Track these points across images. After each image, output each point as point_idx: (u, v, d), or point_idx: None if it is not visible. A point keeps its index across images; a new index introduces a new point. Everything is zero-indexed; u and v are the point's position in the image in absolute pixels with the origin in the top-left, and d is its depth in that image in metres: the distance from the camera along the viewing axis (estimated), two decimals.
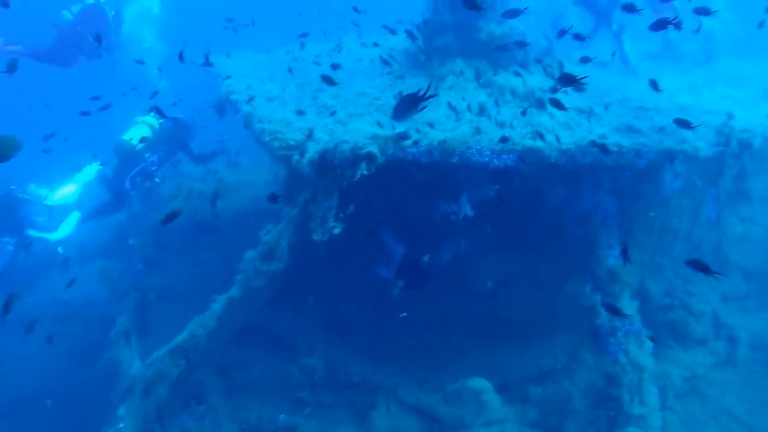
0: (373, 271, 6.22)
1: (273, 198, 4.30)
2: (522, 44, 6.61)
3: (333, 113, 5.37)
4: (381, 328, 6.36)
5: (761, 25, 4.51)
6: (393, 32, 7.60)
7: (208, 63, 6.37)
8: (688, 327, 6.86)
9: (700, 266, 3.51)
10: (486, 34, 6.65)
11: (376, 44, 7.99)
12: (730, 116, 5.70)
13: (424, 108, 3.71)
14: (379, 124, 5.13)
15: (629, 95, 6.40)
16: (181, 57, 5.97)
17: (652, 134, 5.41)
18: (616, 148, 5.16)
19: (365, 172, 4.43)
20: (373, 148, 4.32)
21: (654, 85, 4.66)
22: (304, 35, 8.22)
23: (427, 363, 6.35)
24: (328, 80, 5.63)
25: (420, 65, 7.09)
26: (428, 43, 7.01)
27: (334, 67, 6.44)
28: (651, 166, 5.53)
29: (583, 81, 3.89)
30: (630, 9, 4.84)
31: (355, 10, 7.19)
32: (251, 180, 9.41)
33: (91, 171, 8.62)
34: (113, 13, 9.36)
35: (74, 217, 8.18)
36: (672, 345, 6.91)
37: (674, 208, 6.78)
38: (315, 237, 4.88)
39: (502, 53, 6.72)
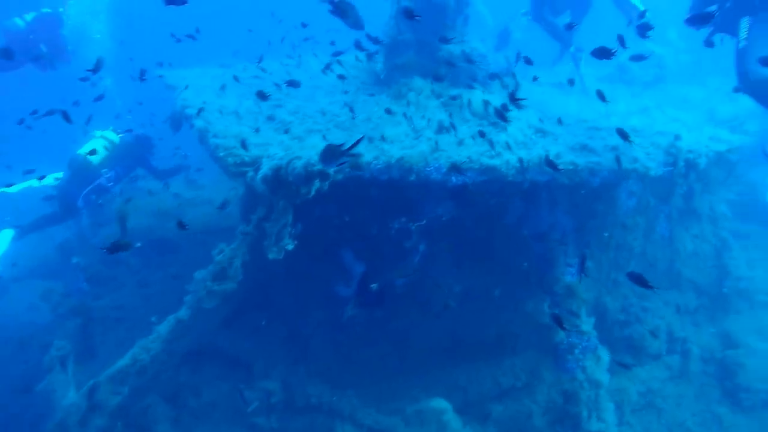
0: (331, 290, 6.06)
1: (222, 206, 4.14)
2: (483, 63, 6.66)
3: (287, 131, 5.24)
4: (340, 349, 6.19)
5: (708, 43, 4.68)
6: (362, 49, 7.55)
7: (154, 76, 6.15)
8: (644, 342, 6.93)
9: (638, 280, 3.54)
10: (446, 53, 6.66)
11: (338, 61, 7.92)
12: (678, 137, 5.82)
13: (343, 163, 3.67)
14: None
15: (585, 116, 6.48)
16: (142, 75, 5.75)
17: (605, 153, 5.46)
18: (571, 167, 5.19)
19: (320, 189, 4.31)
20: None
21: (601, 96, 4.67)
22: (261, 54, 8.08)
23: (386, 383, 6.19)
24: (293, 84, 5.50)
25: (381, 82, 7.04)
26: (389, 60, 6.98)
27: (292, 84, 6.33)
28: (605, 185, 5.58)
29: (522, 100, 3.90)
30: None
31: (303, 25, 7.11)
32: (210, 197, 9.16)
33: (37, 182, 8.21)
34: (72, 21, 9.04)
35: (7, 235, 7.63)
36: (628, 360, 6.96)
37: (629, 226, 6.89)
38: (270, 255, 4.71)
39: (462, 72, 6.74)
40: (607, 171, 5.32)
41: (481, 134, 5.28)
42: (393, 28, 6.80)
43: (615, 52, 4.58)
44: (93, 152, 7.61)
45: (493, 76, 6.74)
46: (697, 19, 3.73)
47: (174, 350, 5.13)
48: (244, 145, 4.99)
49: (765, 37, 4.94)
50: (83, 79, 6.03)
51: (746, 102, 8.06)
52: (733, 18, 5.17)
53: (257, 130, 5.37)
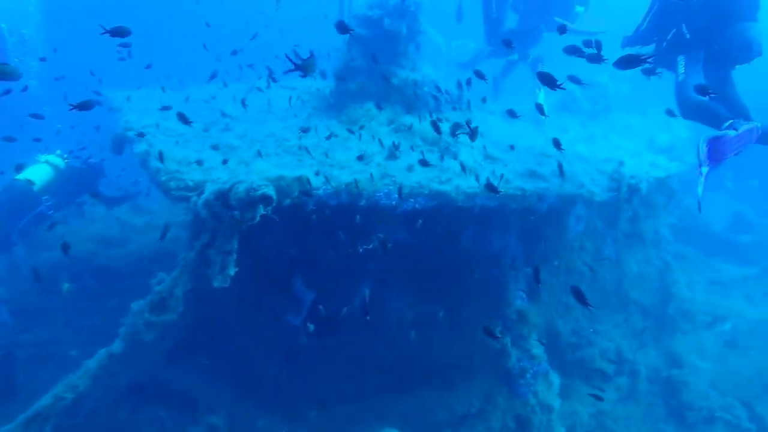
0: (281, 319, 5.82)
1: (162, 235, 3.89)
2: (435, 90, 6.65)
3: (223, 160, 5.05)
4: (291, 379, 5.91)
5: (647, 72, 4.84)
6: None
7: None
8: (595, 364, 6.94)
9: (578, 296, 3.51)
10: (399, 80, 6.63)
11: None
12: (621, 164, 5.94)
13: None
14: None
15: (534, 143, 6.54)
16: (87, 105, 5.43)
17: (552, 179, 5.49)
18: (519, 192, 5.18)
19: (265, 214, 4.13)
20: (269, 190, 4.02)
21: (540, 109, 4.68)
22: (214, 74, 7.88)
23: (340, 412, 5.95)
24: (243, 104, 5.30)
25: (334, 108, 6.93)
26: (341, 86, 6.90)
27: (244, 103, 6.16)
28: (553, 210, 5.61)
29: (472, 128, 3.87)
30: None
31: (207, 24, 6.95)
32: (159, 223, 8.77)
33: None
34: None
35: None
36: (580, 383, 6.95)
37: (578, 250, 6.95)
38: (215, 284, 4.46)
39: (415, 99, 6.71)
40: (554, 196, 5.35)
41: (424, 163, 5.21)
42: (345, 53, 6.74)
43: (561, 84, 4.67)
44: (31, 181, 7.12)
45: (446, 103, 6.75)
46: (625, 62, 3.83)
47: (111, 386, 4.76)
48: (190, 169, 4.77)
49: (699, 71, 5.19)
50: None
51: (682, 132, 8.42)
52: (669, 57, 5.43)
53: (203, 153, 5.14)
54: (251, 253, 5.05)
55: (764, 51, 5.20)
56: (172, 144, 5.37)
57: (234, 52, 7.71)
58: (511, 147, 6.09)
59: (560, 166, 5.13)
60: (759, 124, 4.72)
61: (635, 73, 5.09)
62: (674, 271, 8.46)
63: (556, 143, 5.03)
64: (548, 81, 4.10)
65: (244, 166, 5.00)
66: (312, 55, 3.59)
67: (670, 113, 5.46)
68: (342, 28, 4.15)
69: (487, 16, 8.24)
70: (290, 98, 6.95)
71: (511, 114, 5.86)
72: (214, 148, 5.50)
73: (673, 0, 5.28)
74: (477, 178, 5.13)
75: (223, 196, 4.05)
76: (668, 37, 5.35)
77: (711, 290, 9.17)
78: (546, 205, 5.30)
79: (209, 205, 4.06)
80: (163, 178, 4.64)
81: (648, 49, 5.60)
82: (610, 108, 8.85)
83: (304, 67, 3.51)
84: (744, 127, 4.60)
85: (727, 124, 4.70)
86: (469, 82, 6.40)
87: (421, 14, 6.84)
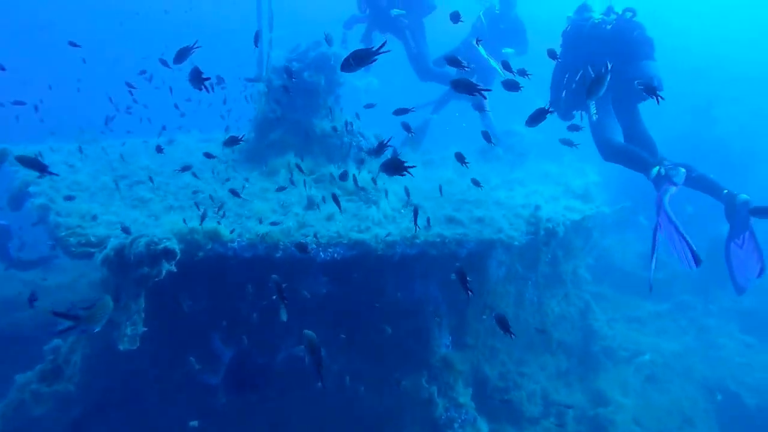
0: (198, 379, 5.41)
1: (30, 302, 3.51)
2: (355, 140, 6.65)
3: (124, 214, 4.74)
4: None
5: (572, 129, 5.07)
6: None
7: None
8: (522, 407, 6.88)
9: (502, 323, 3.44)
10: (320, 130, 6.60)
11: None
12: (538, 208, 6.08)
13: None
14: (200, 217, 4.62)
15: (453, 189, 6.62)
16: None
17: (471, 225, 5.53)
18: (438, 239, 5.17)
19: (170, 269, 3.85)
20: (171, 244, 3.77)
21: (460, 158, 4.71)
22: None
23: None
24: (159, 149, 5.03)
25: (254, 159, 6.77)
26: (262, 137, 6.78)
27: (159, 149, 5.86)
28: (473, 255, 5.61)
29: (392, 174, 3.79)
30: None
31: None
32: (71, 282, 8.14)
33: None
34: None
35: None
36: (509, 427, 6.85)
37: (500, 294, 6.97)
38: (121, 347, 4.08)
39: (336, 149, 6.69)
40: (474, 242, 5.37)
41: (333, 201, 5.06)
42: (265, 105, 6.65)
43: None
44: None
45: (366, 152, 6.75)
46: (534, 118, 3.92)
47: None
48: (93, 223, 4.42)
49: (610, 110, 5.40)
50: None
51: (593, 176, 8.82)
52: (580, 98, 5.57)
53: (110, 207, 4.82)
54: (163, 310, 4.71)
55: (665, 87, 5.48)
56: (83, 198, 5.00)
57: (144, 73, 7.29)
58: (440, 190, 6.11)
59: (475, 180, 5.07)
60: (684, 170, 4.84)
61: (549, 121, 5.28)
62: (594, 310, 8.67)
63: (476, 182, 5.06)
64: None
65: (154, 219, 4.72)
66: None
67: (564, 142, 5.63)
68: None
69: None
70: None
71: (431, 163, 5.96)
72: (124, 201, 5.17)
73: (575, 46, 5.52)
74: (395, 227, 5.08)
75: (124, 252, 3.75)
76: (576, 78, 5.51)
77: (630, 327, 9.46)
78: (466, 250, 5.30)
79: (109, 262, 3.74)
80: (63, 234, 4.28)
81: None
82: (526, 155, 9.19)
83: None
84: (678, 178, 4.74)
85: (656, 170, 4.82)
86: (380, 145, 6.43)
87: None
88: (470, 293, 3.29)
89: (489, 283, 6.66)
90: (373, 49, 2.39)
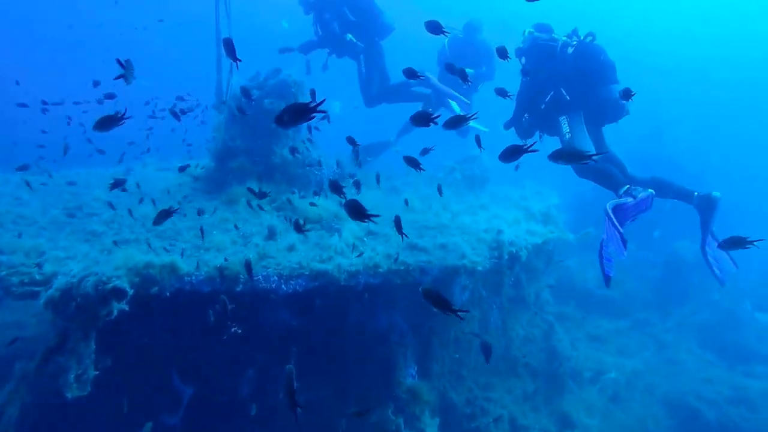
0: (157, 421, 5.12)
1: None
2: (317, 168, 6.55)
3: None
4: None
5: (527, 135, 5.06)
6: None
7: None
8: None
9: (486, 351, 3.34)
10: (280, 158, 6.48)
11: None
12: (500, 232, 6.08)
13: None
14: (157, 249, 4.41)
15: (417, 216, 6.58)
16: None
17: (435, 251, 5.47)
18: (402, 267, 5.08)
19: (122, 308, 3.64)
20: (121, 282, 3.57)
21: (413, 163, 4.56)
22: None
23: None
24: (118, 183, 4.81)
25: (214, 188, 6.59)
26: (222, 165, 6.61)
27: (118, 183, 5.62)
28: (438, 282, 5.55)
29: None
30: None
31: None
32: (20, 319, 7.67)
33: None
34: None
35: None
36: None
37: (465, 319, 6.92)
38: (69, 394, 3.80)
39: (298, 177, 6.57)
40: (437, 269, 5.30)
41: (295, 230, 4.94)
42: (224, 133, 6.51)
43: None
44: None
45: (328, 180, 6.65)
46: (510, 154, 3.84)
47: None
48: (40, 260, 4.16)
49: (583, 128, 5.42)
50: None
51: (553, 199, 8.95)
52: (549, 119, 5.62)
53: (57, 241, 4.55)
54: (116, 349, 4.46)
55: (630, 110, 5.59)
56: (30, 233, 4.71)
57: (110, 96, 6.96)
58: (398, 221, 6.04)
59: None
60: (653, 192, 4.92)
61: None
62: (557, 331, 8.70)
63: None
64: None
65: (107, 254, 4.49)
66: None
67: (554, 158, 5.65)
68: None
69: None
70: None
71: (394, 189, 5.90)
72: (75, 235, 4.92)
73: (546, 67, 5.57)
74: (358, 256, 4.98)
75: (71, 292, 3.52)
76: (546, 99, 5.52)
77: (592, 346, 9.55)
78: (430, 277, 5.23)
79: (54, 304, 3.50)
80: (3, 273, 4.01)
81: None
82: (487, 180, 9.25)
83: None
84: (641, 195, 4.82)
85: (624, 189, 4.88)
86: (343, 177, 6.35)
87: (302, 93, 6.82)
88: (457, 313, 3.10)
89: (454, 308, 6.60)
90: (311, 105, 2.28)
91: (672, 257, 11.60)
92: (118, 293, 3.53)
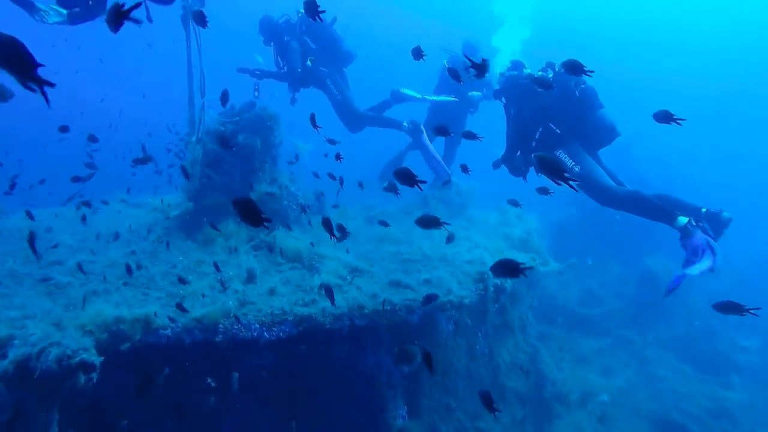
0: None
1: None
2: (294, 203, 6.26)
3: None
4: None
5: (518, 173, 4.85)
6: None
7: None
8: None
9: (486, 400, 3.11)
10: (257, 195, 6.15)
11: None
12: (483, 264, 5.86)
13: None
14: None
15: (400, 248, 6.32)
16: None
17: (420, 288, 5.21)
18: (388, 307, 4.81)
19: (90, 379, 3.25)
20: (89, 356, 3.20)
21: (393, 188, 4.31)
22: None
23: None
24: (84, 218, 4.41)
25: (189, 227, 6.21)
26: (197, 203, 6.24)
27: (84, 218, 5.22)
28: (424, 318, 5.29)
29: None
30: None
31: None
32: None
33: None
34: None
35: None
36: None
37: (452, 349, 6.65)
38: None
39: (275, 212, 6.25)
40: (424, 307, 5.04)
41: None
42: (199, 170, 6.15)
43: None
44: None
45: (306, 215, 6.36)
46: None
47: None
48: None
49: (589, 161, 5.18)
50: None
51: (532, 222, 8.79)
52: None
53: (12, 297, 4.13)
54: (86, 409, 4.05)
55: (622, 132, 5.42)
56: None
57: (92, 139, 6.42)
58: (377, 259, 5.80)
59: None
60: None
61: (486, 169, 5.07)
62: (542, 353, 8.51)
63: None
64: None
65: (73, 309, 4.09)
66: None
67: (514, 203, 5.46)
68: None
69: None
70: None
71: (383, 224, 5.62)
72: (35, 289, 4.49)
73: (528, 105, 5.40)
74: (342, 297, 4.67)
75: (29, 365, 3.13)
76: (536, 137, 5.33)
77: (577, 366, 9.36)
78: (417, 317, 4.97)
79: (8, 379, 3.09)
80: None
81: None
82: (466, 205, 9.04)
83: None
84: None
85: (687, 221, 4.47)
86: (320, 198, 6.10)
87: (277, 126, 6.54)
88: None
89: (439, 338, 6.34)
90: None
91: (645, 272, 11.59)
92: (86, 367, 3.15)
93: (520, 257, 6.66)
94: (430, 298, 4.65)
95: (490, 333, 7.44)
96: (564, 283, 11.21)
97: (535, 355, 8.37)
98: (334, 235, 2.82)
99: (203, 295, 4.54)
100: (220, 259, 5.39)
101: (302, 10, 7.56)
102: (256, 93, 7.46)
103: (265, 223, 2.30)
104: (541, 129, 5.19)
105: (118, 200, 8.09)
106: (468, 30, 9.36)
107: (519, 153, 5.59)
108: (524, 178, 5.53)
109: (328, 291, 4.19)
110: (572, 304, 11.07)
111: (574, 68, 3.48)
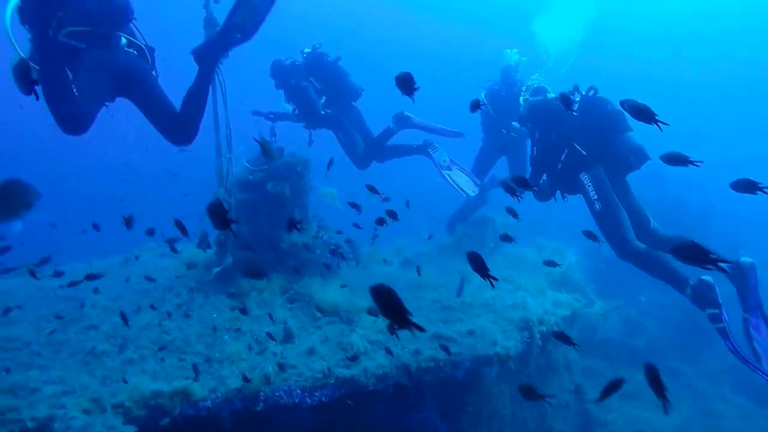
0: None
1: None
2: (327, 251, 6.14)
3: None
4: None
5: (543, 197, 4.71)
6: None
7: None
8: None
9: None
10: (288, 244, 6.05)
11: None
12: (526, 309, 5.65)
13: None
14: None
15: (437, 294, 6.13)
16: None
17: (463, 340, 5.01)
18: (432, 364, 4.61)
19: None
20: None
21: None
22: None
23: None
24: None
25: (222, 280, 6.12)
26: (230, 255, 6.17)
27: (90, 277, 5.16)
28: (469, 373, 5.07)
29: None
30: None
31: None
32: None
33: None
34: None
35: None
36: None
37: (495, 395, 6.41)
38: None
39: (307, 263, 6.13)
40: (469, 361, 4.84)
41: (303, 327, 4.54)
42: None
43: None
44: None
45: (340, 263, 6.24)
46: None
47: None
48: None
49: (610, 191, 4.97)
50: None
51: (571, 258, 8.52)
52: (569, 178, 5.23)
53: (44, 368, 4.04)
54: None
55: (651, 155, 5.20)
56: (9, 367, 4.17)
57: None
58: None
59: None
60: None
61: (522, 205, 4.92)
62: (587, 392, 8.15)
63: None
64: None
65: (109, 385, 3.98)
66: None
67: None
68: None
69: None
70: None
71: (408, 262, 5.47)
72: (73, 358, 4.41)
73: (553, 128, 5.27)
74: (385, 355, 4.50)
75: None
76: (562, 158, 5.19)
77: (625, 404, 8.93)
78: (462, 372, 4.75)
79: None
80: None
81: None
82: (500, 243, 8.79)
83: None
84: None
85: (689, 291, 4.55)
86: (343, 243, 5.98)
87: (307, 172, 6.46)
88: None
89: (483, 386, 6.10)
90: None
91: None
92: None
93: (564, 299, 6.42)
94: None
95: (534, 375, 7.16)
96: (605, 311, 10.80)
97: (579, 394, 8.01)
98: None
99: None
100: (255, 314, 5.27)
101: (307, 50, 7.67)
102: (273, 137, 7.48)
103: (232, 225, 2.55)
104: (567, 151, 5.03)
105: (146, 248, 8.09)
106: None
107: (545, 177, 5.47)
108: (547, 200, 5.43)
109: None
110: (613, 334, 10.65)
111: (643, 114, 3.25)
